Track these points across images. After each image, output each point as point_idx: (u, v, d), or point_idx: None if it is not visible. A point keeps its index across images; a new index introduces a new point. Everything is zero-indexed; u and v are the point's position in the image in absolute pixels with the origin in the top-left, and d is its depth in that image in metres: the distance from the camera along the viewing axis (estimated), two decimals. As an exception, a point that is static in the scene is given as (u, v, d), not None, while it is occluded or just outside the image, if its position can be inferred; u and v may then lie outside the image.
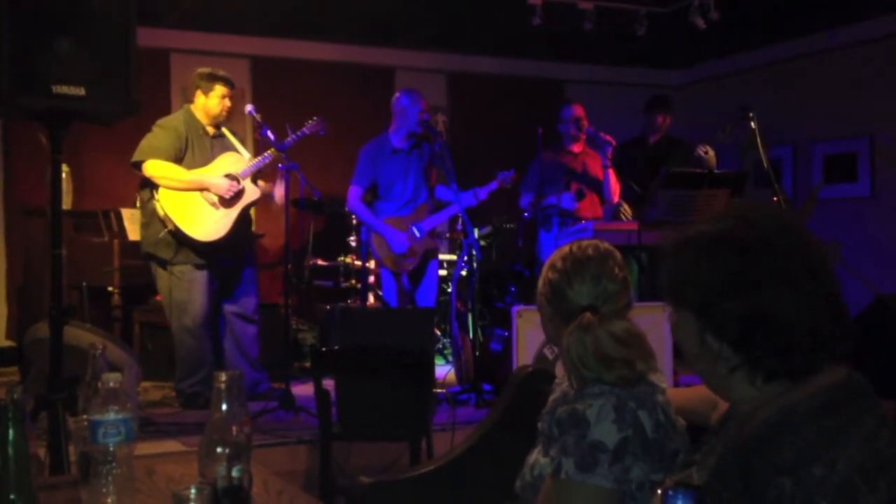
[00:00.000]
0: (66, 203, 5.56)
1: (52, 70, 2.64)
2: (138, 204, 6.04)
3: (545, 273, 1.87)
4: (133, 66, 2.78)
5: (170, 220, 4.52)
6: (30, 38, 2.62)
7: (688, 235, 1.37)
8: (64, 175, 4.18)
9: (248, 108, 4.97)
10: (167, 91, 6.86)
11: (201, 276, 4.65)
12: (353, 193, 5.36)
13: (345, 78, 7.37)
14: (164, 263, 4.62)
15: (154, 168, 4.51)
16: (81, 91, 2.68)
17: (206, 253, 4.62)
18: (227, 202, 4.65)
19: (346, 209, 5.45)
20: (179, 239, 4.56)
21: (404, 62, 7.65)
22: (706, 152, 5.40)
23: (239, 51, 7.05)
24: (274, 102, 6.57)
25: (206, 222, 4.59)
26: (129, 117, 2.85)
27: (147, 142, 4.57)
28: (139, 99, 2.81)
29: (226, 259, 4.74)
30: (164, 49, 6.82)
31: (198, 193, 4.60)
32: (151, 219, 4.61)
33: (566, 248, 1.87)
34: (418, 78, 7.58)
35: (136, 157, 4.55)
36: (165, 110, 6.65)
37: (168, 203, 4.52)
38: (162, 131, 4.62)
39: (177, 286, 4.62)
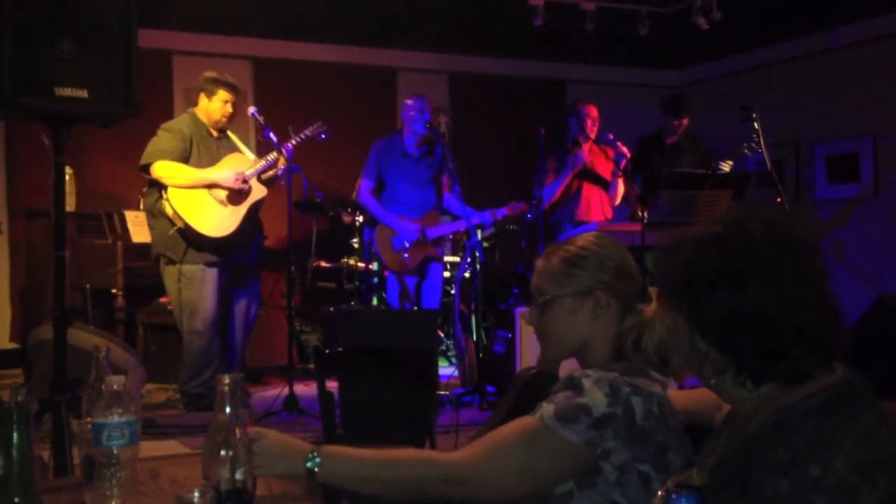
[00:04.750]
0: (70, 205, 5.55)
1: (55, 72, 2.65)
2: (142, 206, 6.04)
3: (595, 261, 1.72)
4: (135, 68, 2.79)
5: (179, 217, 4.58)
6: (32, 40, 2.63)
7: (680, 237, 1.38)
8: (67, 177, 4.20)
9: (251, 110, 5.01)
10: (169, 93, 6.86)
11: (211, 276, 4.69)
12: (363, 187, 5.40)
13: (347, 79, 7.37)
14: (173, 262, 4.66)
15: (162, 169, 4.58)
16: (84, 93, 2.69)
17: (215, 250, 4.67)
18: (234, 200, 4.71)
19: (357, 201, 5.45)
20: (188, 236, 4.61)
21: (406, 63, 7.65)
22: (726, 166, 5.42)
23: (241, 52, 7.06)
24: (276, 104, 6.58)
25: (215, 219, 4.65)
26: (131, 119, 2.86)
27: (153, 145, 4.65)
28: (141, 101, 2.82)
29: (234, 258, 4.80)
30: (166, 50, 6.82)
31: (205, 192, 4.65)
32: (160, 219, 4.66)
33: (578, 241, 1.76)
34: (420, 79, 7.59)
35: (143, 161, 4.63)
36: (168, 112, 6.66)
37: (177, 201, 4.59)
38: (167, 134, 4.69)
39: (186, 286, 4.66)
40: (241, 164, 4.79)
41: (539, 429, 1.54)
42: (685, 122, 5.97)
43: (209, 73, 4.86)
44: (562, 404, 1.56)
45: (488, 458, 1.53)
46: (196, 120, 4.79)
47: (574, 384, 1.59)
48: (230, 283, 4.83)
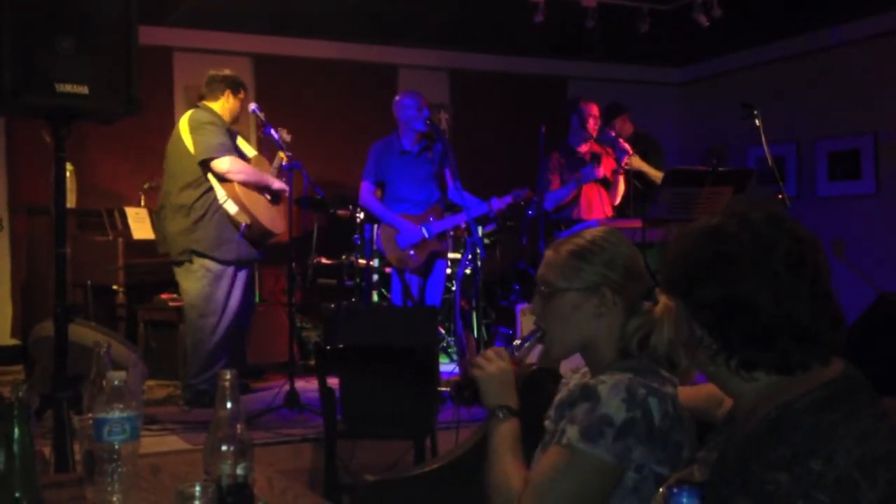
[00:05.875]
0: (70, 201, 5.57)
1: (56, 69, 2.65)
2: (143, 202, 6.02)
3: (604, 257, 1.69)
4: (135, 65, 2.79)
5: (247, 213, 4.58)
6: (33, 36, 2.63)
7: (683, 230, 1.43)
8: (68, 173, 4.19)
9: (252, 106, 5.00)
10: (170, 89, 6.85)
11: (243, 274, 4.73)
12: (365, 189, 5.40)
13: (348, 76, 7.36)
14: (205, 256, 4.60)
15: (229, 164, 4.58)
16: (84, 89, 2.69)
17: (265, 248, 4.77)
18: (274, 200, 4.84)
19: (360, 204, 5.44)
20: (251, 234, 4.64)
21: (407, 60, 7.64)
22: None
23: (241, 49, 7.05)
24: (276, 101, 6.57)
25: (273, 216, 4.75)
26: (132, 116, 2.86)
27: (208, 140, 4.60)
28: (142, 97, 2.82)
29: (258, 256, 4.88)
30: (166, 47, 6.81)
31: (258, 191, 4.73)
32: (214, 218, 4.60)
33: (588, 235, 1.73)
34: (421, 76, 7.58)
35: (204, 156, 4.57)
36: (168, 109, 6.66)
37: (246, 199, 4.61)
38: (216, 128, 4.67)
39: (213, 283, 4.62)
40: (263, 165, 4.88)
41: (570, 456, 1.55)
42: (618, 125, 6.09)
43: (228, 73, 4.87)
44: (584, 422, 1.56)
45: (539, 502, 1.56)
46: (218, 115, 4.79)
47: (589, 393, 1.59)
48: (250, 280, 4.90)
